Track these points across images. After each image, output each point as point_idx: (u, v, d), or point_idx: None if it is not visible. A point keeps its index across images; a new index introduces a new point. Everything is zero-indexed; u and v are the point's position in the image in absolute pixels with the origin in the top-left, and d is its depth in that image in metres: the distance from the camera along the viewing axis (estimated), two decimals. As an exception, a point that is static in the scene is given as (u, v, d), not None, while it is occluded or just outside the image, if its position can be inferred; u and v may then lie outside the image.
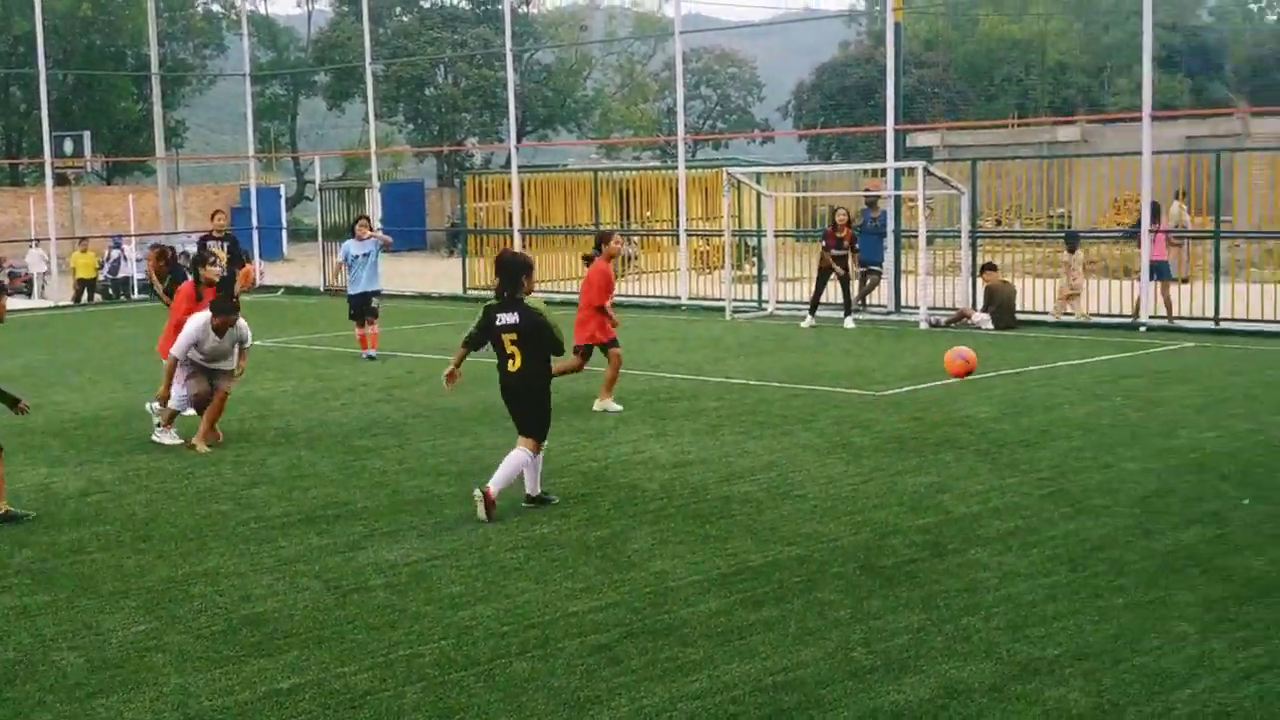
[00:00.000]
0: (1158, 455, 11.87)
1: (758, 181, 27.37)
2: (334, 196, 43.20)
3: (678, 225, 29.45)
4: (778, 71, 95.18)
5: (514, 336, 10.17)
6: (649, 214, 39.19)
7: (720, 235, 26.99)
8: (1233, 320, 21.83)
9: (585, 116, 77.28)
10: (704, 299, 27.91)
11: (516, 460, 10.26)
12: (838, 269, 23.15)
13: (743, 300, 26.80)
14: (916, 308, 23.55)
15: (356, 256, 19.81)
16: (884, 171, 26.10)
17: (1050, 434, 12.94)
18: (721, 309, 25.74)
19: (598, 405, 14.75)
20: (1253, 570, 8.40)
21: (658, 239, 34.80)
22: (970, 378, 16.08)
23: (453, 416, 14.54)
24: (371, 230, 20.62)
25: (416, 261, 44.02)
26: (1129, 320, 22.40)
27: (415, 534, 9.78)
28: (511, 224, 31.64)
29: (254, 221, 38.32)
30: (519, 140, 33.12)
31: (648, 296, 29.15)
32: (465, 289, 32.40)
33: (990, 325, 22.33)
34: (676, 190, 29.35)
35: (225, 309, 12.90)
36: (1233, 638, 7.22)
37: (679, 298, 28.15)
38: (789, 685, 6.70)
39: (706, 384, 16.69)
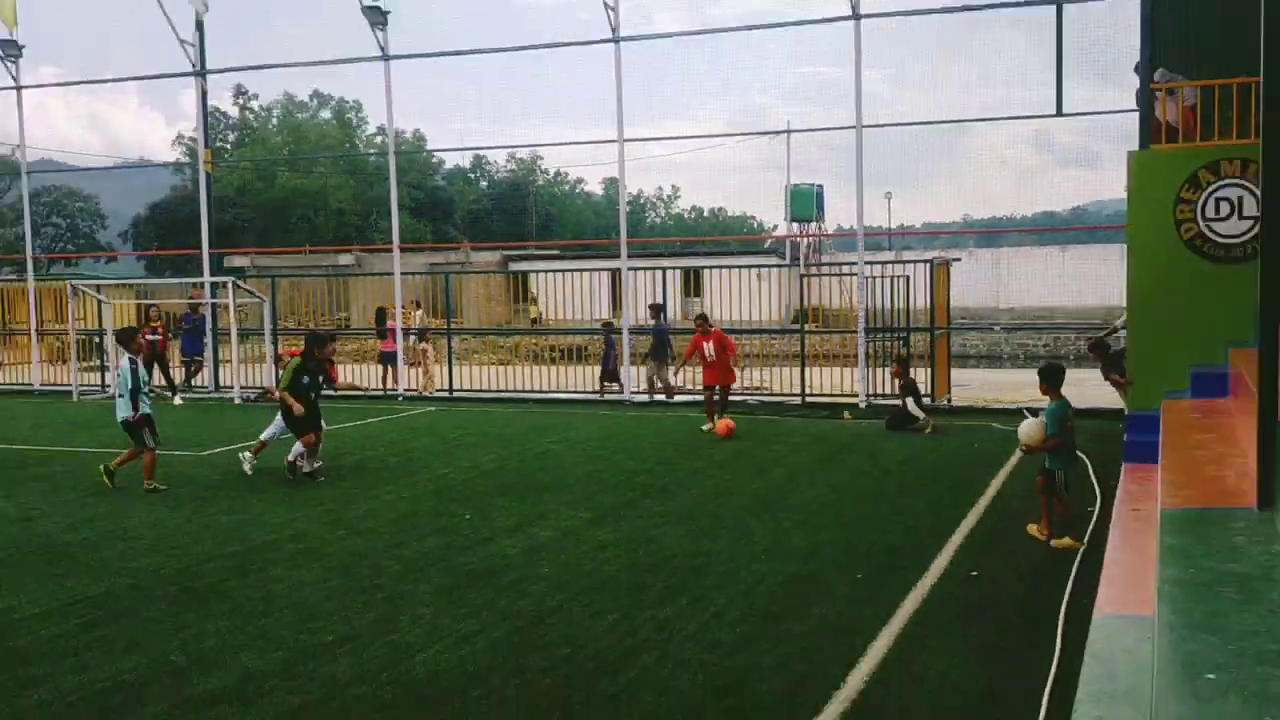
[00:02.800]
0: (411, 487, 12.13)
1: (98, 291, 25.22)
2: None
3: (31, 326, 26.45)
4: (120, 205, 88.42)
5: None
6: (10, 319, 35.00)
7: (68, 334, 24.55)
8: (464, 391, 22.80)
9: (-53, 237, 67.83)
10: (56, 384, 25.24)
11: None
12: (146, 351, 21.79)
13: (88, 385, 24.52)
14: (232, 387, 22.63)
15: None
16: (204, 285, 24.88)
17: (328, 476, 12.85)
18: (70, 392, 23.44)
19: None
20: (471, 564, 8.76)
21: (16, 337, 31.10)
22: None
23: None
24: None
25: None
26: (393, 391, 22.80)
27: None
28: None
29: None
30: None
31: (5, 384, 25.93)
32: None
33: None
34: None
35: None
36: (457, 613, 7.48)
37: (32, 384, 25.29)
38: (116, 689, 6.15)
39: (56, 452, 15.10)
